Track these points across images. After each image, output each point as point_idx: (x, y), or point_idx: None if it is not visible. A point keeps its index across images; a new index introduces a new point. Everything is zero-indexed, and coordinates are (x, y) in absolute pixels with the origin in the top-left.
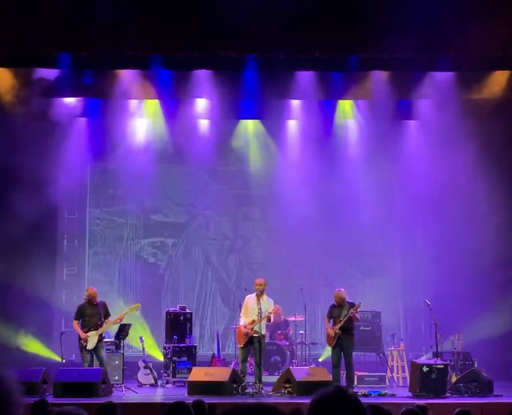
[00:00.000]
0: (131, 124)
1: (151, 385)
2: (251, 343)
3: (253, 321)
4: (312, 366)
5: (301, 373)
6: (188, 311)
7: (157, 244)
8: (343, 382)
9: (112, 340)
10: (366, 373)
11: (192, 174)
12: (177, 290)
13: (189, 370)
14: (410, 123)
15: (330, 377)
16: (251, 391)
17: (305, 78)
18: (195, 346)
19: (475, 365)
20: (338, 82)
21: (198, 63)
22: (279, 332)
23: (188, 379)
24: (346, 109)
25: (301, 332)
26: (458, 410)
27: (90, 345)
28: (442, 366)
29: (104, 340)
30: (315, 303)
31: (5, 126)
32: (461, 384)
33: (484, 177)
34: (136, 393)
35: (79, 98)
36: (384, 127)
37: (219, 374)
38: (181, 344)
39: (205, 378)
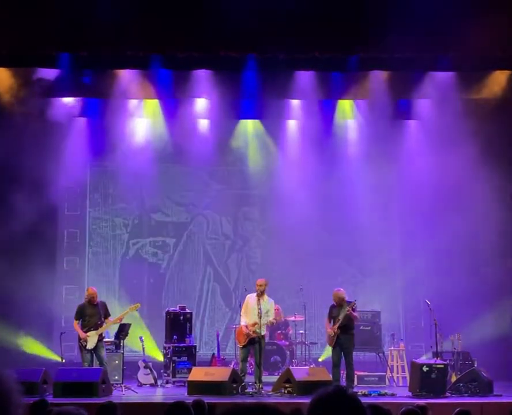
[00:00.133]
0: (130, 124)
1: (151, 385)
2: (251, 343)
3: (256, 323)
4: (312, 366)
5: (301, 373)
6: (188, 311)
7: (158, 243)
8: (343, 382)
9: (112, 340)
10: (366, 373)
11: (192, 174)
12: (178, 289)
13: (189, 370)
14: (410, 123)
15: (329, 377)
16: (251, 390)
17: (305, 78)
18: (195, 346)
19: (475, 365)
20: (338, 82)
21: (197, 63)
22: (279, 332)
23: (188, 379)
24: (346, 109)
25: (301, 332)
26: (457, 409)
27: (90, 345)
28: (442, 366)
29: (104, 340)
30: (315, 303)
31: (5, 126)
32: (461, 384)
33: (484, 177)
34: (136, 393)
35: (79, 98)
36: (384, 127)
37: (219, 374)
38: (181, 344)
39: (205, 378)
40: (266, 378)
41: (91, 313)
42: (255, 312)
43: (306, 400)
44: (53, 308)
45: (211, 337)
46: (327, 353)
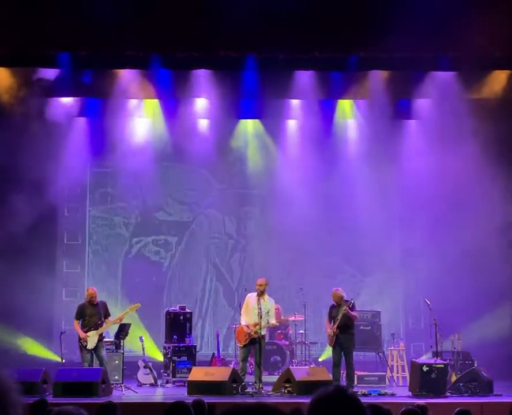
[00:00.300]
0: (130, 123)
1: (151, 385)
2: (251, 343)
3: (257, 324)
4: (312, 365)
5: (301, 372)
6: (188, 311)
7: (161, 242)
8: (343, 381)
9: (112, 340)
10: (366, 373)
11: (194, 173)
12: (180, 289)
13: (189, 370)
14: (410, 123)
15: (329, 377)
16: (251, 390)
17: (305, 77)
18: (195, 346)
19: (475, 365)
20: (338, 82)
21: (197, 62)
22: (279, 331)
23: (188, 379)
24: (346, 109)
25: (301, 331)
26: (457, 409)
27: (90, 345)
28: (442, 365)
29: (104, 340)
30: (315, 303)
31: (5, 126)
32: (461, 384)
33: (485, 177)
34: (136, 393)
35: (79, 98)
36: (384, 127)
37: (219, 374)
38: (181, 344)
39: (205, 378)
40: (266, 378)
41: (92, 313)
42: (255, 311)
43: (306, 400)
44: (53, 309)
45: (213, 337)
46: (327, 352)
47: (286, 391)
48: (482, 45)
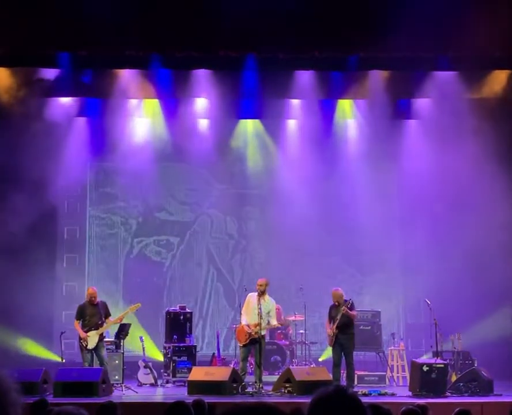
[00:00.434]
0: (130, 123)
1: (151, 384)
2: (252, 342)
3: (257, 324)
4: (312, 365)
5: (301, 372)
6: (188, 311)
7: (163, 242)
8: (343, 381)
9: (112, 339)
10: (367, 373)
11: (194, 174)
12: (181, 289)
13: (189, 370)
14: (410, 122)
15: (330, 377)
16: (251, 390)
17: (305, 77)
18: (195, 346)
19: (475, 365)
20: (338, 82)
21: (197, 62)
22: (279, 331)
23: (188, 379)
24: (346, 109)
25: (301, 331)
26: (458, 409)
27: (91, 345)
28: (442, 365)
29: (104, 340)
30: (315, 302)
31: (5, 126)
32: (461, 384)
33: (485, 176)
34: (136, 392)
35: (79, 97)
36: (384, 127)
37: (220, 373)
38: (181, 344)
39: (205, 377)
40: (266, 378)
41: (92, 313)
42: (255, 311)
43: (306, 400)
44: (53, 309)
45: (213, 337)
46: (327, 352)
47: (286, 391)
48: (482, 45)
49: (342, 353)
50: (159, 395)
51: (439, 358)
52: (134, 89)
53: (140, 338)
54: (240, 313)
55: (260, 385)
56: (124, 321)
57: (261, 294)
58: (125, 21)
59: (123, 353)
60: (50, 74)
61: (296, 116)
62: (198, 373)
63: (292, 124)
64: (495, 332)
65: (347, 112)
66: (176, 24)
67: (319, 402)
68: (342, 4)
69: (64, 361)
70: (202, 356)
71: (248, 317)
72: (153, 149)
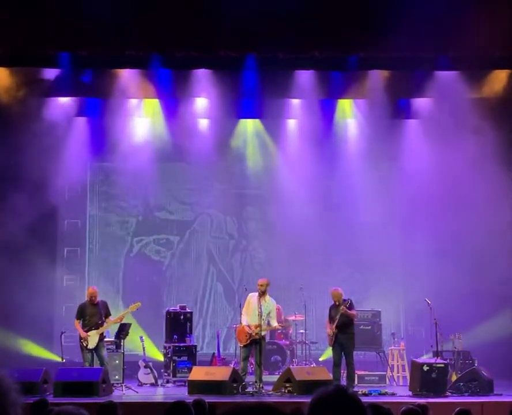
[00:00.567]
0: (130, 123)
1: (152, 384)
2: (252, 343)
3: (258, 326)
4: (312, 365)
5: (301, 372)
6: (189, 311)
7: (162, 241)
8: (343, 381)
9: (113, 339)
10: (367, 372)
11: (195, 173)
12: (180, 288)
13: (190, 370)
14: (410, 122)
15: (330, 376)
16: (251, 390)
17: (305, 77)
18: (195, 346)
19: (476, 364)
20: (338, 81)
21: (197, 62)
22: (279, 331)
23: (189, 378)
24: (346, 108)
25: (301, 331)
26: (458, 409)
27: (91, 344)
28: (442, 365)
29: (105, 339)
30: (315, 302)
31: (5, 126)
32: (461, 383)
33: (485, 176)
34: (137, 392)
35: (79, 97)
36: (384, 126)
37: (220, 373)
38: (182, 344)
39: (205, 377)
40: (266, 377)
41: (92, 313)
42: (256, 312)
43: (306, 400)
44: (54, 308)
45: (213, 337)
46: (328, 352)
47: (286, 391)
48: (482, 44)
49: (342, 353)
50: (159, 394)
51: (439, 357)
52: (134, 88)
53: (141, 337)
54: (241, 313)
55: (261, 385)
56: (124, 321)
57: (262, 294)
58: (125, 21)
59: (123, 353)
60: (50, 74)
61: (296, 115)
62: (198, 373)
63: (292, 124)
64: (495, 332)
65: (348, 111)
66: (176, 24)
67: (319, 401)
68: (342, 4)
69: (64, 360)
70: (202, 356)
71: (248, 318)
72: (153, 149)
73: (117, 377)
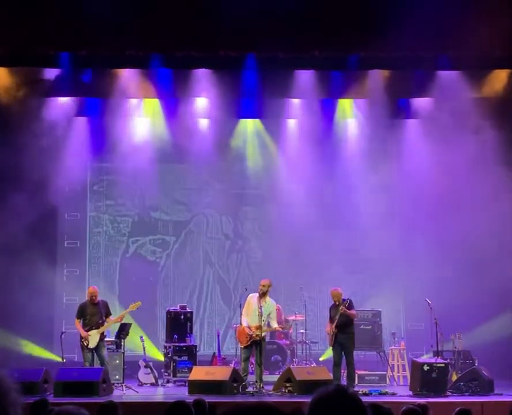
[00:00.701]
0: (130, 123)
1: (152, 384)
2: (252, 344)
3: (258, 327)
4: (312, 365)
5: (301, 372)
6: (189, 310)
7: (158, 241)
8: (344, 381)
9: (113, 339)
10: (367, 372)
11: (192, 173)
12: (176, 288)
13: (190, 370)
14: (410, 122)
15: (330, 376)
16: (252, 390)
17: (305, 77)
18: (196, 345)
19: (476, 364)
20: (338, 81)
21: (197, 62)
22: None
23: (189, 378)
24: (346, 108)
25: (301, 331)
26: (458, 408)
27: (92, 344)
28: (443, 365)
29: (105, 339)
30: (315, 302)
31: (5, 126)
32: (462, 383)
33: (485, 176)
34: (137, 392)
35: (79, 97)
36: (384, 126)
37: (220, 373)
38: (182, 344)
39: (206, 377)
40: (266, 377)
41: (93, 312)
42: (256, 313)
43: (307, 400)
44: (54, 308)
45: (210, 336)
46: (328, 352)
47: (286, 391)
48: (483, 44)
49: (343, 353)
50: (159, 394)
51: (439, 357)
52: (134, 88)
53: (141, 337)
54: (241, 314)
55: (261, 385)
56: (124, 321)
57: (262, 295)
58: (125, 21)
59: (123, 353)
60: (50, 73)
61: (296, 115)
62: (198, 373)
63: (292, 124)
64: (496, 332)
65: (348, 111)
66: (176, 24)
67: (320, 401)
68: (342, 4)
69: (64, 360)
70: (202, 356)
71: (248, 319)
72: (153, 149)
73: (117, 377)
